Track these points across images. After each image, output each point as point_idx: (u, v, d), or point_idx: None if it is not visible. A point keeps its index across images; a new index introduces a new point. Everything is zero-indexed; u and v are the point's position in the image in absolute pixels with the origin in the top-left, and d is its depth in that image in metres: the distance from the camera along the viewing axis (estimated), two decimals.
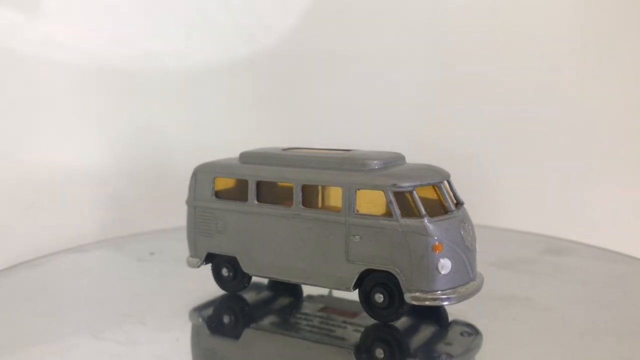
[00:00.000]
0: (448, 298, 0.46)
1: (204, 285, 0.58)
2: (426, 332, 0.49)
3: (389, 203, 0.47)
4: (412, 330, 0.49)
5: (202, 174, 0.56)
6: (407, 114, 0.80)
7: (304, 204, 0.51)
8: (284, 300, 0.56)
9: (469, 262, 0.48)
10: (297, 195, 0.51)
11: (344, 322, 0.51)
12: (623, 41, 0.81)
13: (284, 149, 0.56)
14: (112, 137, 0.81)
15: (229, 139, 0.72)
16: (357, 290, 0.50)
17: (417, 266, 0.46)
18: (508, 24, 0.80)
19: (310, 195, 0.52)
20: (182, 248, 0.72)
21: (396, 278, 0.47)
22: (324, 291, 0.57)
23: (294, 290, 0.58)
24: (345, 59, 0.79)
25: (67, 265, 0.68)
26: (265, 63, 0.81)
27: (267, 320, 0.52)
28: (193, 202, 0.56)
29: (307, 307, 0.55)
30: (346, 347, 0.47)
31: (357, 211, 0.48)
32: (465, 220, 0.49)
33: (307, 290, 0.58)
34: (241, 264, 0.54)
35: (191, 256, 0.57)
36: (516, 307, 0.53)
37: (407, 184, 0.47)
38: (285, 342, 0.48)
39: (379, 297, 0.48)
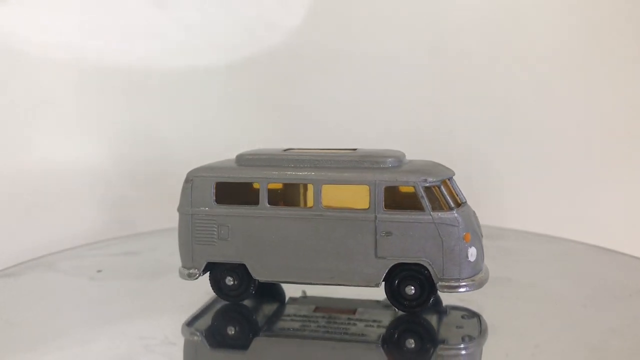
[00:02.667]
0: (474, 284, 0.49)
1: (187, 299, 0.55)
2: (432, 319, 0.51)
3: (420, 198, 0.49)
4: (418, 318, 0.51)
5: (200, 180, 0.52)
6: (407, 113, 0.81)
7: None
8: (270, 305, 0.55)
9: (482, 250, 0.52)
10: (318, 196, 0.50)
11: (349, 319, 0.52)
12: (624, 41, 0.85)
13: (285, 150, 0.54)
14: (112, 137, 0.78)
15: (228, 138, 0.70)
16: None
17: (449, 256, 0.48)
18: (510, 23, 0.82)
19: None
20: (127, 263, 0.67)
21: (425, 269, 0.49)
22: (309, 292, 0.57)
23: (275, 294, 0.57)
24: (346, 58, 0.78)
25: (5, 290, 0.60)
26: (265, 63, 0.78)
27: (267, 326, 0.50)
28: (189, 210, 0.52)
29: (300, 310, 0.54)
30: (371, 342, 0.48)
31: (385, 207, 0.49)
32: (473, 210, 0.53)
33: (288, 292, 0.57)
34: (251, 271, 0.52)
35: (185, 267, 0.53)
36: (505, 288, 0.57)
37: (435, 178, 0.49)
38: (306, 345, 0.48)
39: (410, 290, 0.50)
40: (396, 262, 0.49)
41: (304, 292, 0.58)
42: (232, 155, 0.55)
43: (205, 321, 0.52)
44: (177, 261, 0.66)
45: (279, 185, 0.53)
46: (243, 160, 0.53)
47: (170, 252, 0.72)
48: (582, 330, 0.48)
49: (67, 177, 0.78)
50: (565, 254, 0.70)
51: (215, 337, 0.50)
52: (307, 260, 0.51)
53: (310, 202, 0.51)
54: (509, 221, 0.79)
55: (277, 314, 0.53)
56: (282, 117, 0.77)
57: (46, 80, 0.77)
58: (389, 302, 0.55)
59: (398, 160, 0.51)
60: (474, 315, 0.52)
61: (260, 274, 0.52)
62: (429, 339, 0.48)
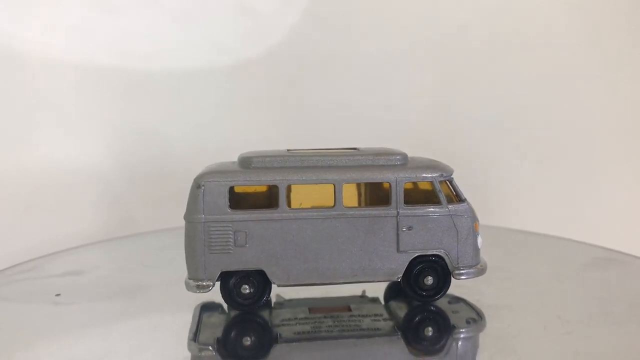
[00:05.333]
0: (482, 270, 0.53)
1: (174, 313, 0.53)
2: (427, 308, 0.54)
3: (438, 192, 0.51)
4: (415, 307, 0.53)
5: (212, 185, 0.49)
6: (407, 114, 0.80)
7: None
8: (262, 312, 0.53)
9: None
10: (340, 195, 0.50)
11: (351, 316, 0.53)
12: (624, 42, 0.87)
13: (288, 151, 0.53)
14: (113, 137, 0.77)
15: (228, 139, 0.65)
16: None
17: (463, 245, 0.52)
18: (509, 23, 0.83)
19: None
20: (77, 283, 0.61)
21: (442, 259, 0.52)
22: (293, 295, 0.57)
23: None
24: (345, 59, 0.76)
25: None
26: (265, 62, 0.73)
27: (278, 333, 0.49)
28: (201, 217, 0.49)
29: (296, 313, 0.53)
30: (390, 334, 0.49)
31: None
32: None
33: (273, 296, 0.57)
34: (270, 277, 0.50)
35: (194, 279, 0.50)
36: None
37: (447, 174, 0.52)
38: (329, 347, 0.47)
39: (428, 280, 0.52)
40: (417, 255, 0.51)
41: (279, 296, 0.57)
42: (231, 155, 0.53)
43: (210, 334, 0.49)
44: (130, 276, 0.62)
45: (295, 187, 0.52)
46: (253, 162, 0.51)
47: (118, 267, 0.67)
48: (578, 301, 0.54)
49: (67, 176, 0.77)
50: (496, 240, 0.77)
51: (228, 349, 0.47)
52: (330, 260, 0.51)
53: (330, 202, 0.51)
54: (509, 221, 0.81)
55: (277, 320, 0.52)
56: (281, 117, 0.74)
57: (46, 80, 0.74)
58: (366, 295, 0.57)
59: (405, 158, 0.53)
60: (458, 300, 0.56)
61: (280, 279, 0.51)
62: (446, 326, 0.50)
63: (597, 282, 0.59)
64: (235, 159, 0.55)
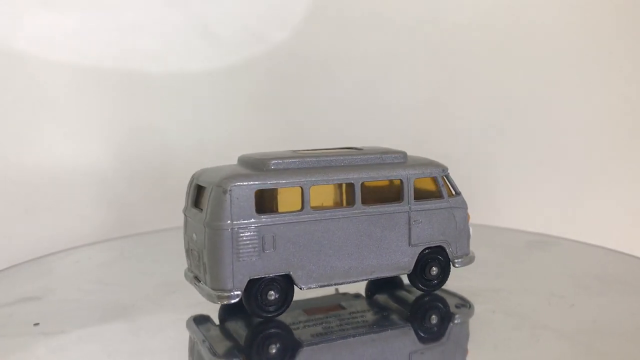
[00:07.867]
0: (474, 257, 0.57)
1: (175, 333, 0.50)
2: (424, 297, 0.56)
3: (441, 187, 0.54)
4: (406, 299, 0.56)
5: (240, 189, 0.47)
6: (406, 114, 0.77)
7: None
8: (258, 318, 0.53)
9: None
10: (358, 193, 0.51)
11: (352, 313, 0.54)
12: (623, 42, 0.88)
13: (295, 151, 0.52)
14: (112, 137, 0.78)
15: (228, 139, 0.60)
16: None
17: (460, 235, 0.56)
18: (508, 24, 0.83)
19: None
20: (49, 309, 0.54)
21: (443, 250, 0.55)
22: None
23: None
24: (345, 59, 0.71)
25: None
26: (265, 63, 0.68)
27: (296, 338, 0.49)
28: (229, 224, 0.46)
29: (296, 316, 0.53)
30: (401, 326, 0.51)
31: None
32: None
33: None
34: (296, 280, 0.49)
35: (220, 289, 0.47)
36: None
37: (446, 169, 0.55)
38: (350, 345, 0.48)
39: (433, 270, 0.55)
40: (425, 247, 0.54)
41: None
42: (230, 154, 0.51)
43: (224, 346, 0.47)
44: (91, 297, 0.56)
45: (314, 188, 0.51)
46: (271, 164, 0.49)
47: (78, 287, 0.60)
48: (554, 279, 0.61)
49: (66, 176, 0.77)
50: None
51: (255, 359, 0.46)
52: (351, 259, 0.51)
53: (347, 201, 0.51)
54: (508, 220, 0.83)
55: (283, 325, 0.51)
56: (281, 117, 0.69)
57: (46, 80, 0.75)
58: (339, 291, 0.59)
59: (405, 156, 0.55)
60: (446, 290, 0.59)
61: (306, 281, 0.50)
62: (448, 313, 0.53)
63: (550, 262, 0.67)
64: (230, 159, 0.53)
